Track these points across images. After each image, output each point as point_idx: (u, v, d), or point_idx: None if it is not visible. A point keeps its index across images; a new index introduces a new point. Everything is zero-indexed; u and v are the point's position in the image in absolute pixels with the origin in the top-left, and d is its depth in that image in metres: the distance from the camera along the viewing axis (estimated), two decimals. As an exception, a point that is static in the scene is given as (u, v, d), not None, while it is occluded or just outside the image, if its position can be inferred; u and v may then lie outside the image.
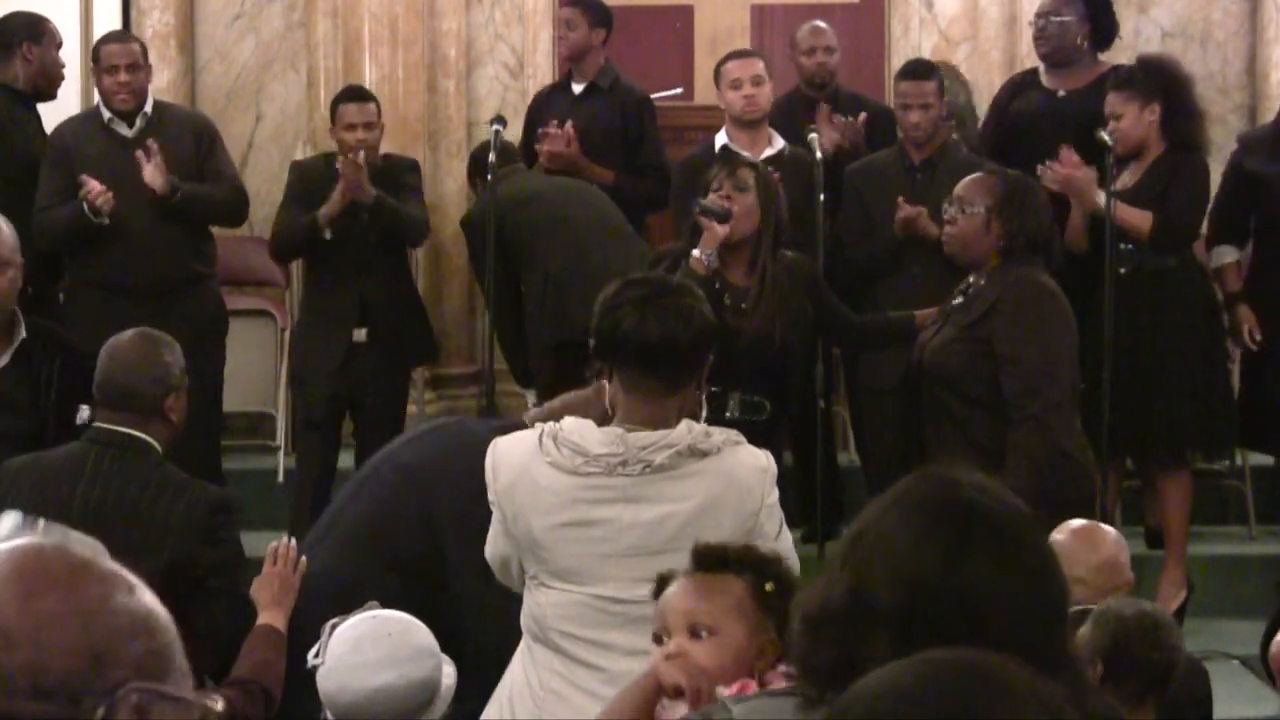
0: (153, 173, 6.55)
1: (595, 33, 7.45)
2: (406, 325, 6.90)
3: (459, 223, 7.46)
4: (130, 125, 6.77)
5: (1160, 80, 6.60)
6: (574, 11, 7.48)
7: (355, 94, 7.01)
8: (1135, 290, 6.35)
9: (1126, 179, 6.57)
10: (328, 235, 6.66)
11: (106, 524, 4.29)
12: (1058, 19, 7.10)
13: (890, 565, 2.04)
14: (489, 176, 6.59)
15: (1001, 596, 2.01)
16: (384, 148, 7.89)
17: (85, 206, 6.52)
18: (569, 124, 7.19)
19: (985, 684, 1.67)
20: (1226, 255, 6.93)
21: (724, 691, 2.62)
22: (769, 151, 6.64)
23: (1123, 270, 6.35)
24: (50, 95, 7.03)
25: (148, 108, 6.85)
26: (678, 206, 6.63)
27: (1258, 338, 6.83)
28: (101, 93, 6.82)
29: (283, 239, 6.95)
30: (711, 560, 2.85)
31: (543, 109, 7.53)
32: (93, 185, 6.48)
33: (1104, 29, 7.22)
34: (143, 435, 4.46)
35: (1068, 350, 5.19)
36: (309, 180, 6.87)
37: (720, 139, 6.74)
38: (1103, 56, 7.23)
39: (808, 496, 6.47)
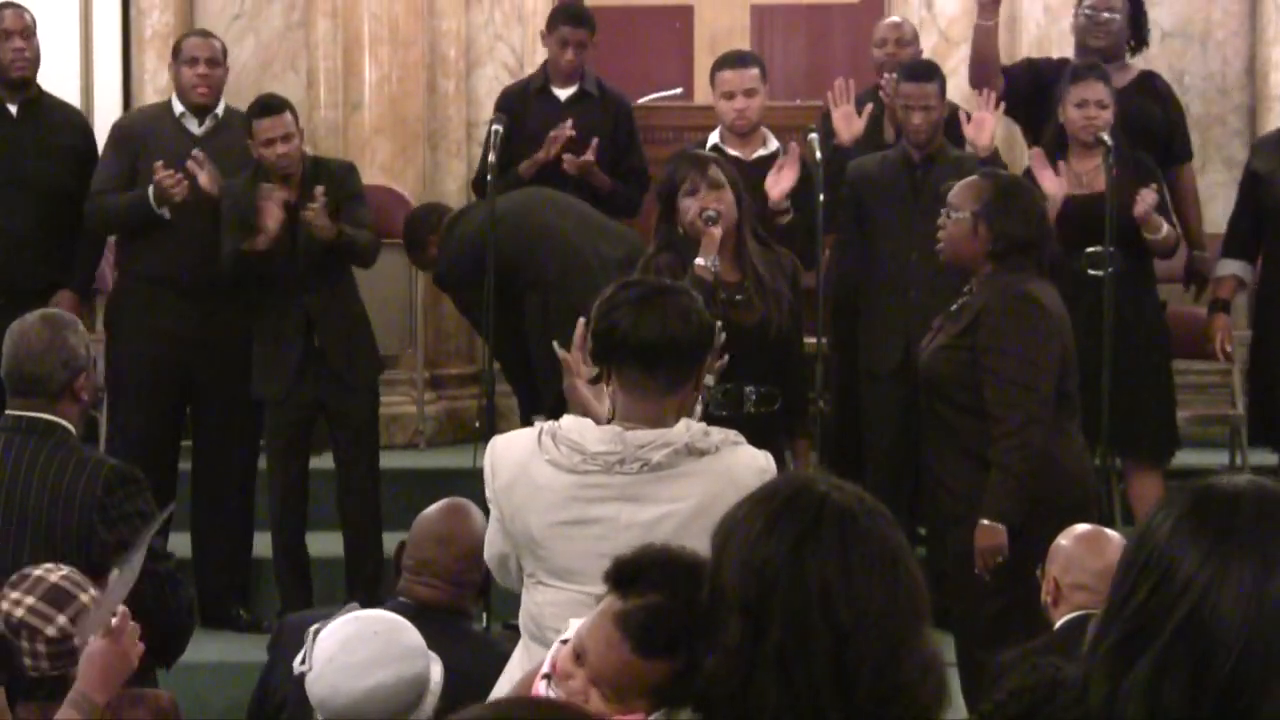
0: (208, 180, 6.49)
1: (593, 44, 7.39)
2: (352, 339, 6.71)
3: (433, 281, 7.27)
4: (200, 123, 6.74)
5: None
6: (583, 32, 7.30)
7: (266, 106, 6.61)
8: (1097, 292, 6.33)
9: (1079, 165, 6.56)
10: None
11: (22, 507, 4.40)
12: (1109, 14, 7.08)
13: (740, 553, 2.06)
14: (488, 178, 6.55)
15: (848, 587, 2.02)
16: (386, 148, 7.91)
17: (152, 193, 6.46)
18: (567, 123, 7.13)
19: None
20: (1227, 268, 6.97)
21: None
22: (762, 152, 6.61)
23: (1102, 272, 6.34)
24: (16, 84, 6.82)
25: (219, 110, 6.81)
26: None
27: (1228, 349, 6.90)
28: (180, 86, 6.76)
29: (227, 274, 6.62)
30: (653, 647, 2.60)
31: (522, 112, 7.33)
32: (165, 172, 6.42)
33: (1140, 32, 7.22)
34: (52, 417, 4.53)
35: (1049, 361, 5.14)
36: (241, 204, 6.57)
37: (713, 138, 6.70)
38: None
39: None
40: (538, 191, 6.96)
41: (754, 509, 2.10)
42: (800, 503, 2.08)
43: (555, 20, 7.39)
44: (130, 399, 6.70)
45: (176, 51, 6.85)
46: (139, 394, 6.68)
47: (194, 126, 6.74)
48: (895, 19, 7.68)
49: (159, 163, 6.45)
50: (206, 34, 7.11)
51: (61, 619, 3.77)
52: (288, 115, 6.56)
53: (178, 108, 6.78)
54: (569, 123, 7.08)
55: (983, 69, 6.91)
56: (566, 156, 7.06)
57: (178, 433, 6.77)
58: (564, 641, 2.79)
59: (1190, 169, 7.24)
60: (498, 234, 6.50)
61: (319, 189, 6.39)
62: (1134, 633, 1.93)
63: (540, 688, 2.79)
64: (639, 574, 2.66)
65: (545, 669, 2.79)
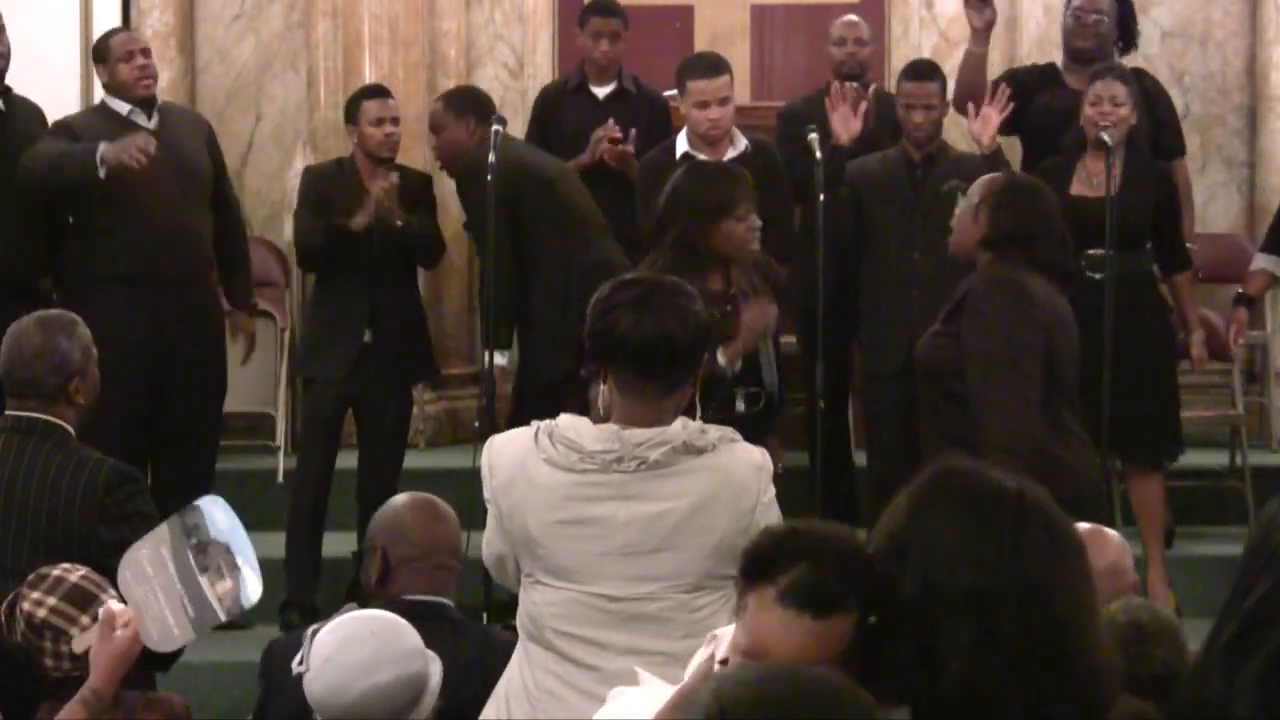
0: (150, 149, 6.34)
1: (626, 38, 7.46)
2: (411, 341, 6.86)
3: (461, 173, 6.92)
4: (148, 117, 6.71)
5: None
6: (615, 22, 7.41)
7: (377, 90, 6.95)
8: (1100, 294, 6.34)
9: (1094, 166, 6.58)
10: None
11: (18, 505, 4.41)
12: (1097, 16, 7.11)
13: (956, 556, 2.14)
14: (488, 177, 6.55)
15: (1056, 575, 2.12)
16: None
17: (101, 153, 6.28)
18: (627, 130, 7.15)
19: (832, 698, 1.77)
20: (1260, 263, 7.05)
21: None
22: (732, 153, 6.53)
23: (1098, 276, 6.35)
24: None
25: (159, 103, 6.83)
26: (642, 206, 6.61)
27: (1240, 342, 6.97)
28: (120, 83, 6.64)
29: (312, 250, 6.77)
30: (827, 603, 2.52)
31: (559, 110, 7.44)
32: (142, 145, 6.29)
33: (1128, 34, 7.27)
34: (49, 418, 4.55)
35: (1033, 343, 5.11)
36: (323, 185, 6.81)
37: (681, 144, 6.62)
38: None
39: (824, 497, 6.47)
40: (574, 174, 6.98)
41: (951, 509, 2.19)
42: (1003, 499, 2.17)
43: (586, 15, 7.47)
44: (100, 411, 6.61)
45: (104, 54, 6.72)
46: (108, 406, 6.56)
47: (144, 121, 6.68)
48: (851, 17, 7.56)
49: (144, 135, 6.36)
50: (128, 29, 7.12)
51: (85, 619, 3.78)
52: (393, 102, 6.85)
53: (121, 107, 6.67)
54: (611, 122, 7.11)
55: (968, 94, 6.90)
56: (605, 147, 7.08)
57: (145, 440, 6.72)
58: (723, 662, 2.72)
59: (1183, 165, 7.26)
60: (549, 191, 6.66)
61: (392, 174, 6.61)
62: (1250, 628, 1.96)
63: None
64: (775, 556, 2.64)
65: None
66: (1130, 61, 7.26)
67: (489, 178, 6.48)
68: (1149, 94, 7.15)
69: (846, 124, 6.77)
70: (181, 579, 3.82)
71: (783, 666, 1.85)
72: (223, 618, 3.85)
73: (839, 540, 2.49)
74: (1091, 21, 7.11)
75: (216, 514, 3.92)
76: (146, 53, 6.74)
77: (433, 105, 7.15)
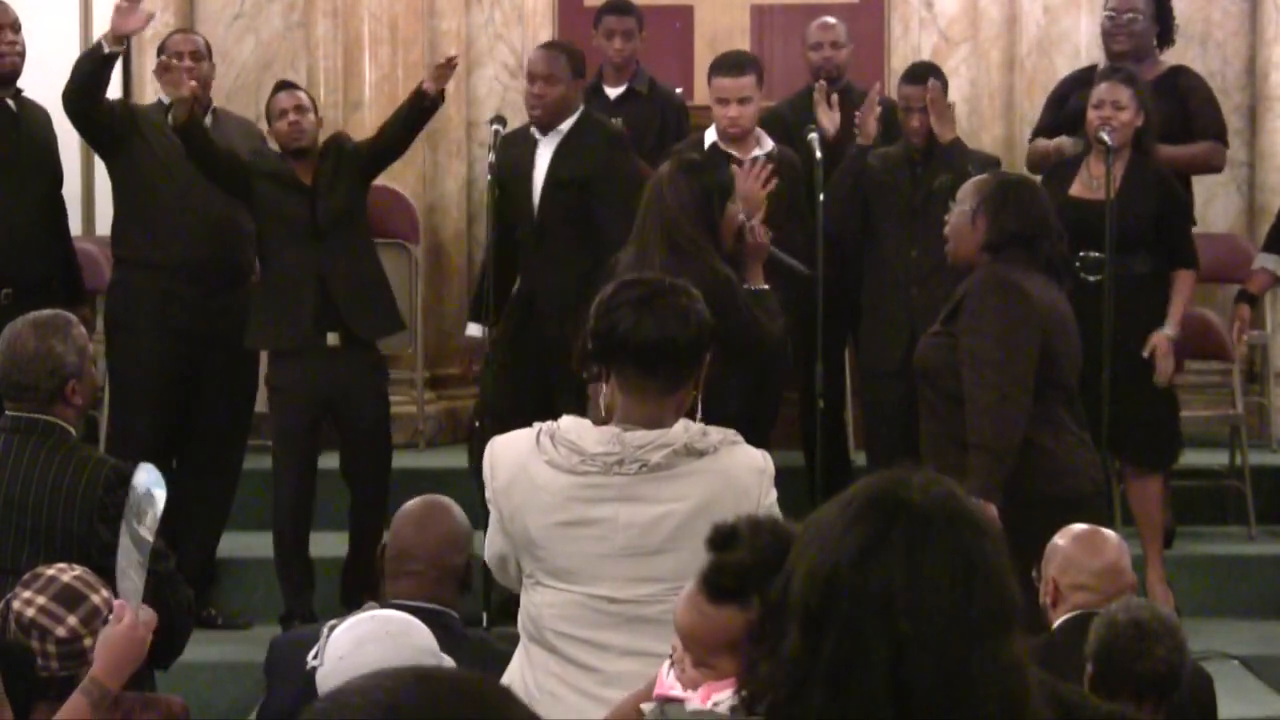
0: (142, 19, 6.48)
1: (640, 37, 7.50)
2: (369, 298, 6.66)
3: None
4: (203, 116, 6.75)
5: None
6: (629, 20, 7.45)
7: (282, 85, 6.88)
8: (1093, 296, 6.34)
9: (1097, 169, 6.57)
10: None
11: (22, 507, 4.42)
12: (1131, 15, 7.11)
13: (812, 557, 1.98)
14: (489, 178, 6.56)
15: (915, 596, 1.92)
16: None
17: (109, 35, 6.38)
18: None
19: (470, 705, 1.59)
20: (1261, 261, 7.09)
21: (693, 700, 2.67)
22: (757, 152, 6.53)
23: (1093, 278, 6.36)
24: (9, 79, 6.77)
25: (213, 105, 6.91)
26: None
27: (1241, 339, 6.99)
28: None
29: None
30: (719, 591, 2.69)
31: None
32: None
33: (1166, 27, 7.27)
34: (49, 418, 4.56)
35: (1025, 343, 5.12)
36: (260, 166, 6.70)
37: (710, 135, 6.67)
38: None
39: (823, 497, 6.47)
40: None
41: (836, 512, 2.00)
42: (878, 507, 1.97)
43: (600, 14, 7.51)
44: (136, 401, 6.67)
45: (161, 50, 6.84)
46: (146, 396, 6.64)
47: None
48: (827, 19, 7.55)
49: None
50: (188, 30, 7.21)
51: (72, 619, 3.78)
52: (300, 93, 6.78)
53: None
54: (619, 122, 7.11)
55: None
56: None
57: (177, 434, 6.75)
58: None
59: (1215, 148, 7.25)
60: None
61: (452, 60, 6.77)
62: None
63: (663, 669, 2.86)
64: (728, 537, 2.71)
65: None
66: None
67: (488, 177, 6.52)
68: (1182, 90, 7.15)
69: (834, 122, 6.89)
70: (132, 541, 3.86)
71: (451, 672, 1.73)
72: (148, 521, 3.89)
73: (777, 540, 2.50)
74: (1125, 20, 7.09)
75: (140, 477, 3.95)
76: (195, 55, 6.82)
77: (551, 54, 6.75)
